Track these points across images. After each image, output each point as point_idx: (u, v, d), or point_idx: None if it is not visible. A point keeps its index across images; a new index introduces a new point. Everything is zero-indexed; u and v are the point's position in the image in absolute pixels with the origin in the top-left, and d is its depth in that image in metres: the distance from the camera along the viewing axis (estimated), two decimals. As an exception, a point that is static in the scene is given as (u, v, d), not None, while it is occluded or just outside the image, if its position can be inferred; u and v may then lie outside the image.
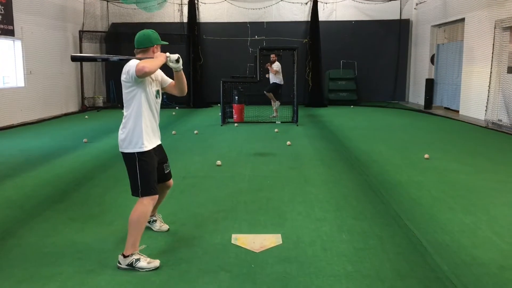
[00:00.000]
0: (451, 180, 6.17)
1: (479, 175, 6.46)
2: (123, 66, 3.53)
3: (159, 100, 3.77)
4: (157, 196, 3.65)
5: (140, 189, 3.55)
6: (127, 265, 3.46)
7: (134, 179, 3.57)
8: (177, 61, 3.58)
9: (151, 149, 3.61)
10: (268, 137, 9.99)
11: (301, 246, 3.91)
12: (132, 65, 3.43)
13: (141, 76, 3.41)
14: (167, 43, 3.86)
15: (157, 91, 3.73)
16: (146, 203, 3.55)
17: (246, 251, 3.80)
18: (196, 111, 15.44)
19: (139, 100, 3.54)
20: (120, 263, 3.50)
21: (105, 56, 3.73)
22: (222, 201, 5.23)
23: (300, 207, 4.97)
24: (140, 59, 3.53)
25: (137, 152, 3.53)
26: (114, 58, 3.65)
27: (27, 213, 4.84)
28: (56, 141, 9.43)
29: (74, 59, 3.68)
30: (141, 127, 3.54)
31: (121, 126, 3.63)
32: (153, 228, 4.25)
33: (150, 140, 3.62)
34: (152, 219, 4.24)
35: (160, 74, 3.81)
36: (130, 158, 3.57)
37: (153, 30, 3.72)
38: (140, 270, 3.44)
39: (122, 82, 3.55)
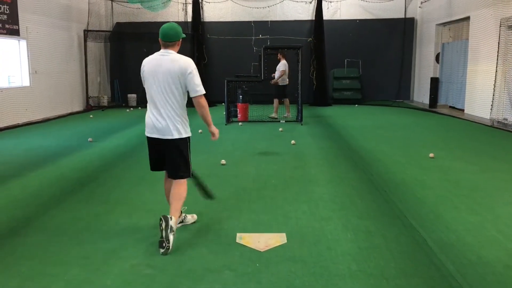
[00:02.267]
0: (456, 179, 6.15)
1: (484, 174, 6.43)
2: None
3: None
4: None
5: (189, 169, 4.10)
6: (180, 222, 4.19)
7: (187, 161, 4.04)
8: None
9: None
10: (273, 136, 9.99)
11: (306, 245, 3.91)
12: (196, 80, 3.93)
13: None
14: (185, 36, 4.15)
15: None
16: (185, 183, 4.09)
17: (251, 250, 3.80)
18: (201, 110, 15.42)
19: (185, 96, 4.00)
20: (172, 227, 3.76)
21: None
22: (226, 200, 5.24)
23: (304, 206, 4.97)
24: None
25: (189, 137, 4.05)
26: None
27: (32, 212, 4.87)
28: (61, 141, 9.46)
29: None
30: (186, 116, 4.06)
31: (165, 116, 3.90)
32: (188, 222, 4.44)
33: None
34: (182, 219, 4.40)
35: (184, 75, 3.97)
36: (186, 142, 4.02)
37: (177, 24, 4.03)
38: (188, 223, 4.31)
39: (177, 79, 3.87)
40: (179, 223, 4.34)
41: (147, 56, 4.04)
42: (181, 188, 4.03)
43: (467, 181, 6.02)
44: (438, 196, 5.34)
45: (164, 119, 3.91)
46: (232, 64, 17.40)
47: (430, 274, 3.37)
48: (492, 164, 7.07)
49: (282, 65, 12.53)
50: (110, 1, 17.50)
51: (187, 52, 16.47)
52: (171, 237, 3.71)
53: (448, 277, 3.32)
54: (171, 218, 3.78)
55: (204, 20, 17.81)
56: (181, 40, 4.01)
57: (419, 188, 5.68)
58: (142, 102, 16.22)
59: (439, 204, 5.02)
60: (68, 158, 7.69)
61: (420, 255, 3.69)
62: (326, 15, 17.49)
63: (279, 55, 12.73)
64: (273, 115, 12.96)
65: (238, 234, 4.14)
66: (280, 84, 12.58)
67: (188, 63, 3.89)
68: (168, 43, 3.93)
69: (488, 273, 3.38)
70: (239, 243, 3.95)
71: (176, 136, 3.93)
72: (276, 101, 12.94)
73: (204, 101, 3.94)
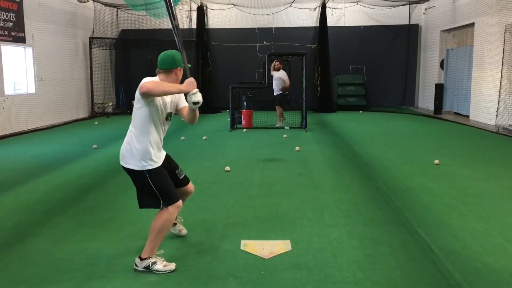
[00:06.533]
0: (462, 186, 6.11)
1: (491, 181, 6.39)
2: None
3: (169, 122, 3.69)
4: (181, 202, 3.61)
5: (162, 200, 3.52)
6: (144, 267, 3.51)
7: (150, 193, 3.52)
8: (195, 103, 3.38)
9: (159, 165, 3.55)
10: (277, 142, 9.99)
11: (311, 252, 3.89)
12: (142, 82, 3.34)
13: (143, 96, 3.32)
14: (190, 65, 3.63)
15: (169, 114, 3.63)
16: (171, 211, 3.53)
17: (256, 258, 3.78)
18: (205, 116, 15.48)
19: (146, 120, 3.45)
20: (137, 266, 3.54)
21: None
22: (231, 207, 5.23)
23: (309, 213, 4.95)
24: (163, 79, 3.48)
25: (146, 170, 3.47)
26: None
27: (37, 218, 4.87)
28: (67, 147, 9.49)
29: None
30: (145, 146, 3.46)
31: (125, 139, 3.56)
32: (172, 231, 4.25)
33: (156, 157, 3.53)
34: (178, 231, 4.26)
35: (179, 95, 3.69)
36: (138, 176, 3.51)
37: (178, 52, 3.55)
38: (157, 272, 3.48)
39: (136, 98, 3.48)
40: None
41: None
42: (157, 220, 3.54)
43: (473, 188, 5.98)
44: (444, 203, 5.31)
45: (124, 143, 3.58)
46: (237, 70, 17.45)
47: (436, 282, 3.34)
48: (498, 171, 7.03)
49: (283, 74, 12.49)
50: (115, 9, 17.60)
51: (192, 59, 16.55)
52: (155, 268, 3.49)
53: (455, 285, 3.29)
54: (135, 264, 3.54)
55: (209, 27, 17.90)
56: (172, 71, 3.54)
57: (425, 195, 5.65)
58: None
59: (445, 212, 4.98)
60: (73, 164, 7.71)
61: (426, 263, 3.66)
62: (331, 22, 17.54)
63: (278, 64, 12.49)
64: (278, 124, 12.88)
65: (242, 241, 4.12)
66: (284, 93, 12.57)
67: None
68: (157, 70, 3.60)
69: (495, 281, 3.35)
70: (244, 250, 3.93)
71: (123, 164, 3.57)
72: (281, 110, 12.90)
73: (149, 84, 3.28)
